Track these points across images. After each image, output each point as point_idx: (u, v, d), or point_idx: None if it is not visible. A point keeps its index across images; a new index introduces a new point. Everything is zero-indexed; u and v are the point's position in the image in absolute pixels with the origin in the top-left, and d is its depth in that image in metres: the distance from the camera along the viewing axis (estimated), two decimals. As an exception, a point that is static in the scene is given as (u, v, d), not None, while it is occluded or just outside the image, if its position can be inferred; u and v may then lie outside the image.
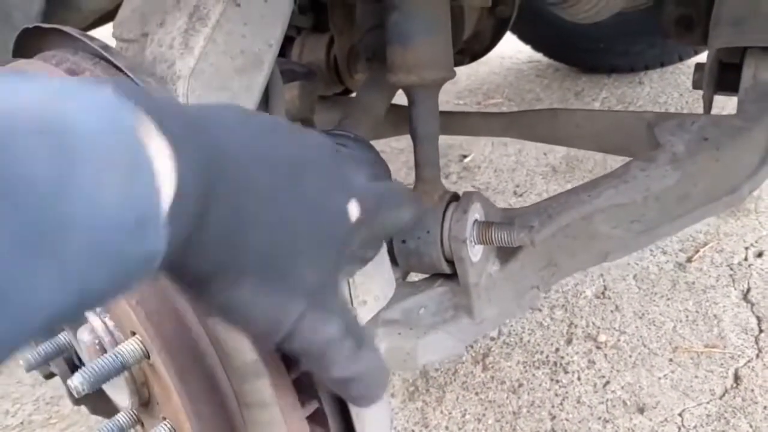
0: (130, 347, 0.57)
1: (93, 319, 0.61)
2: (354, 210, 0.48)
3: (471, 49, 1.33)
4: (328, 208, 0.46)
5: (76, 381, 0.54)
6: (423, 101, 0.89)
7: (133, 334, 0.59)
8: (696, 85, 1.15)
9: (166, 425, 0.60)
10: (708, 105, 1.12)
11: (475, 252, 0.88)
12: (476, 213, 0.88)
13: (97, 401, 0.75)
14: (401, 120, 1.26)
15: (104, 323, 0.61)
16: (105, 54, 0.57)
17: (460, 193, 0.91)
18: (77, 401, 0.75)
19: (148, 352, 0.57)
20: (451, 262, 0.88)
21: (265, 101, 0.81)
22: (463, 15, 1.10)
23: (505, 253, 0.94)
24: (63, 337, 0.69)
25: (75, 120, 0.30)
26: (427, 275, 0.95)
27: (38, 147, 0.28)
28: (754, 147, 0.99)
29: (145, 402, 0.63)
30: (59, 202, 0.28)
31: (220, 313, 0.44)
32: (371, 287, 0.70)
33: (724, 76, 1.09)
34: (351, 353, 0.46)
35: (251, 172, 0.41)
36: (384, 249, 0.72)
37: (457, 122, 1.35)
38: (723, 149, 0.95)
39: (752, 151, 0.99)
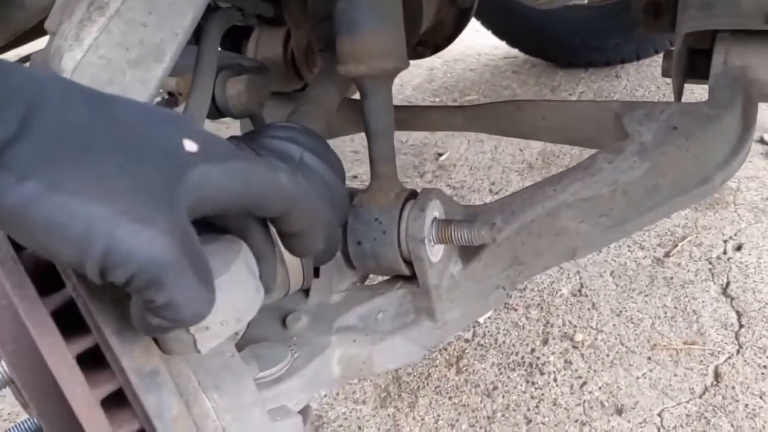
0: None
1: None
2: (190, 144, 0.46)
3: (433, 41, 1.28)
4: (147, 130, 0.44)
5: None
6: (375, 93, 0.83)
7: None
8: (665, 73, 1.11)
9: None
10: (678, 93, 1.07)
11: (435, 252, 0.83)
12: (435, 211, 0.83)
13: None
14: (358, 115, 1.21)
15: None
16: None
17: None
18: None
19: (11, 379, 0.56)
20: (409, 263, 0.83)
21: None
22: (421, 5, 1.05)
23: (468, 253, 0.89)
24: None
25: None
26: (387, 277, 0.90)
27: None
28: (725, 135, 0.95)
29: None
30: None
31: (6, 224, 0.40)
32: (219, 308, 0.46)
33: (694, 63, 1.05)
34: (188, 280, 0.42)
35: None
36: (240, 258, 0.50)
37: (418, 117, 1.30)
38: (693, 138, 0.91)
39: (723, 139, 0.95)
